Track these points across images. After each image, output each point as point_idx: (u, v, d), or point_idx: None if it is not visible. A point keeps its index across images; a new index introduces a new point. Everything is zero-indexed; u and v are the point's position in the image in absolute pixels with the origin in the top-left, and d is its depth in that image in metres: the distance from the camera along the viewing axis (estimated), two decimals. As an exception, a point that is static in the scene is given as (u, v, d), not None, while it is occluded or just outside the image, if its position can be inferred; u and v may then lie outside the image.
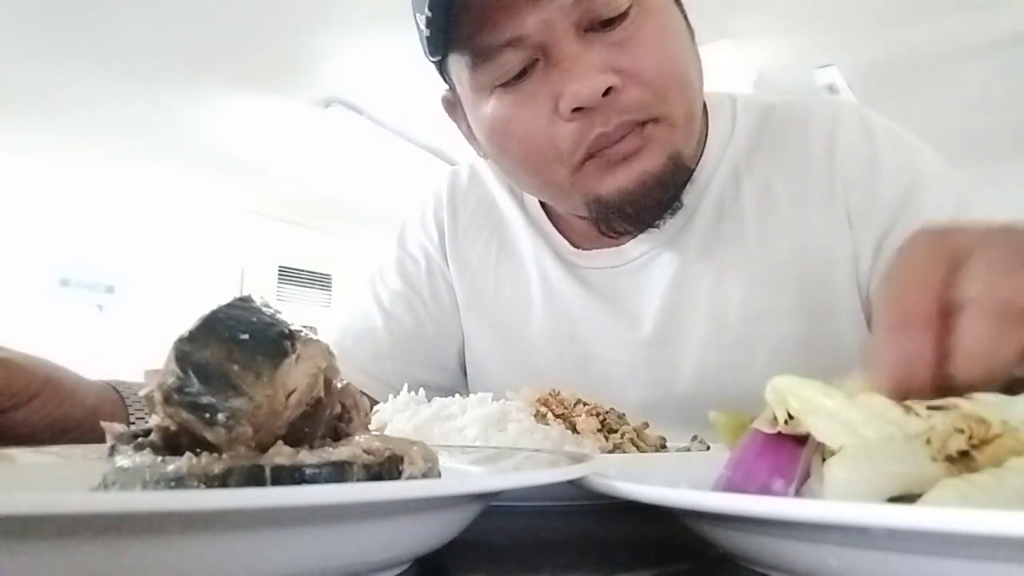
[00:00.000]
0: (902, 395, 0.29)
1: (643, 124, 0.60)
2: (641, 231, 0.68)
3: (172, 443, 0.26)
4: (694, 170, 0.68)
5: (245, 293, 0.30)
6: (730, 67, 3.36)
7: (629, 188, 0.62)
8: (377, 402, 0.59)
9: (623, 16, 0.59)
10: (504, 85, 0.61)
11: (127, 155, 4.53)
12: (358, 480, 0.26)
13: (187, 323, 0.27)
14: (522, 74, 0.60)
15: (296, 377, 0.27)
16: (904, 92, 3.79)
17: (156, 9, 2.88)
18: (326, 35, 3.12)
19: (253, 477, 0.24)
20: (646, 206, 0.63)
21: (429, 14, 0.57)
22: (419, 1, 0.58)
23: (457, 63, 0.63)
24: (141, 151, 4.46)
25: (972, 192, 0.66)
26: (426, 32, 0.59)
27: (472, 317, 0.82)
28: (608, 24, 0.59)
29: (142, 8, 2.87)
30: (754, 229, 0.69)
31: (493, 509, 0.31)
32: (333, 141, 4.26)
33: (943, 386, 0.29)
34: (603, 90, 0.58)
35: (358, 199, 5.35)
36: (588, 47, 0.58)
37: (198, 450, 0.25)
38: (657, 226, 0.67)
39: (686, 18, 0.66)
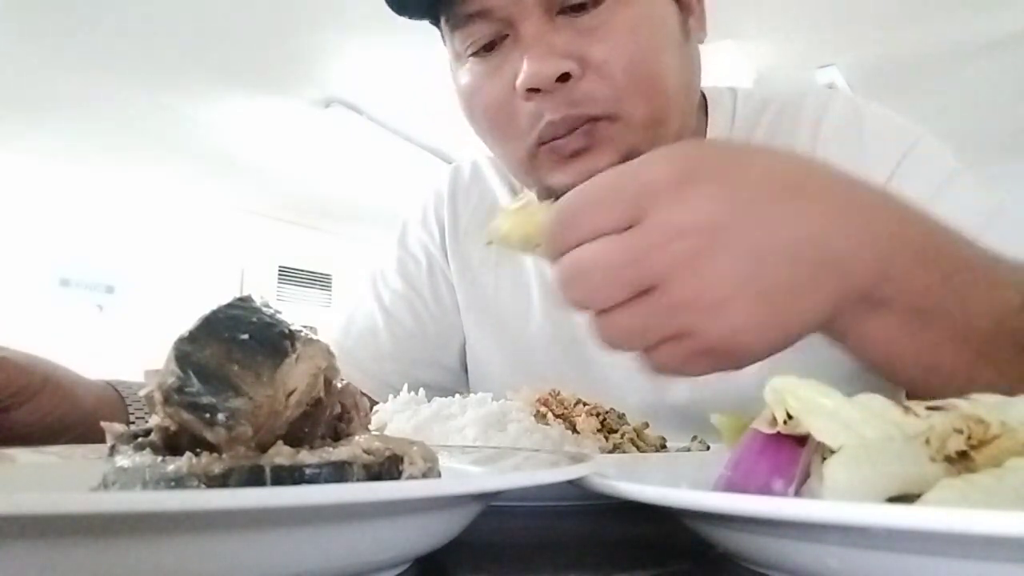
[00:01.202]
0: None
1: (596, 120, 0.59)
2: None
3: (172, 443, 0.26)
4: None
5: (245, 293, 0.30)
6: (730, 67, 3.37)
7: (575, 185, 0.60)
8: (377, 402, 0.59)
9: (597, 2, 0.58)
10: (476, 55, 0.62)
11: (127, 155, 4.53)
12: (358, 480, 0.26)
13: (187, 323, 0.27)
14: (493, 46, 0.61)
15: (296, 377, 0.27)
16: (904, 92, 3.79)
17: (156, 9, 2.88)
18: (326, 35, 3.12)
19: (253, 477, 0.24)
20: None
21: None
22: None
23: (443, 29, 0.64)
24: (141, 151, 4.46)
25: (966, 175, 0.63)
26: None
27: (472, 317, 0.82)
28: (581, 9, 0.58)
29: (142, 8, 2.87)
30: None
31: (493, 509, 0.31)
32: (333, 141, 4.26)
33: None
34: (557, 75, 0.56)
35: (358, 199, 5.35)
36: (553, 29, 0.58)
37: (198, 450, 0.25)
38: None
39: (687, 18, 0.63)
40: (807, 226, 0.36)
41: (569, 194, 0.37)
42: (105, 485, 0.26)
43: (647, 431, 0.57)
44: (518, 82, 0.58)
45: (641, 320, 0.35)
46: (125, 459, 0.26)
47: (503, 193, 0.82)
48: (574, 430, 0.52)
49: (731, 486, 0.29)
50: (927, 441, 0.26)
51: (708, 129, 0.71)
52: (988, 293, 0.39)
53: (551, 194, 0.62)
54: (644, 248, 0.34)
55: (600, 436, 0.52)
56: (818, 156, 0.64)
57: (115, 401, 0.62)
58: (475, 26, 0.60)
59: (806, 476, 0.28)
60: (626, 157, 0.58)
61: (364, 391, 0.79)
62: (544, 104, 0.58)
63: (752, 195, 0.36)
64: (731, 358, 0.37)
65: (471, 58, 0.62)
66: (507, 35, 0.60)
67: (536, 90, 0.57)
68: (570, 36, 0.58)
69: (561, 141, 0.60)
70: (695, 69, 0.66)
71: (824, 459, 0.26)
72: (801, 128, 0.69)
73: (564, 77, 0.57)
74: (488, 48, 0.61)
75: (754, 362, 0.37)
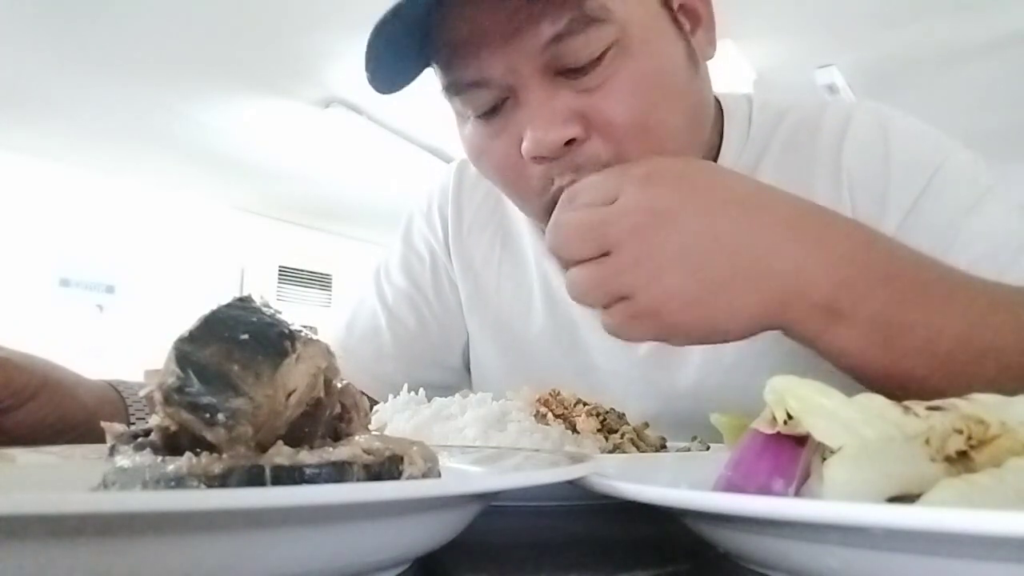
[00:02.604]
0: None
1: None
2: None
3: (172, 443, 0.26)
4: None
5: (245, 293, 0.30)
6: (730, 67, 3.36)
7: None
8: (377, 402, 0.59)
9: (598, 60, 0.55)
10: (478, 116, 0.60)
11: (127, 155, 4.53)
12: (358, 480, 0.26)
13: (187, 323, 0.27)
14: (495, 109, 0.59)
15: (296, 377, 0.27)
16: (904, 92, 3.78)
17: (156, 9, 2.88)
18: (326, 35, 3.12)
19: (253, 477, 0.24)
20: None
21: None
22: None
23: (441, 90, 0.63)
24: (141, 151, 4.46)
25: (997, 194, 0.61)
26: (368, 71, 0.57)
27: (475, 318, 0.82)
28: (581, 69, 0.55)
29: (142, 8, 2.87)
30: None
31: (493, 509, 0.31)
32: (333, 141, 4.26)
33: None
34: (563, 142, 0.55)
35: (358, 199, 5.35)
36: (554, 93, 0.55)
37: (198, 450, 0.25)
38: None
39: (694, 34, 0.60)
40: (754, 240, 0.43)
41: (585, 179, 0.48)
42: (105, 485, 0.26)
43: (647, 431, 0.57)
44: (523, 150, 0.56)
45: (597, 276, 0.43)
46: (125, 459, 0.26)
47: None
48: (574, 430, 0.52)
49: (731, 486, 0.29)
50: (927, 441, 0.26)
51: (724, 137, 0.69)
52: (952, 312, 0.44)
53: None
54: (607, 219, 0.43)
55: (600, 436, 0.52)
56: (842, 173, 0.64)
57: (116, 401, 0.62)
58: (474, 92, 0.58)
59: (806, 476, 0.28)
60: None
61: (365, 390, 0.80)
62: (552, 169, 0.57)
63: (707, 202, 0.44)
64: (663, 326, 0.43)
65: (474, 119, 0.61)
66: (508, 98, 0.58)
67: (543, 157, 0.56)
68: (572, 97, 0.55)
69: None
70: (705, 99, 0.64)
71: (824, 459, 0.26)
72: (821, 143, 0.66)
73: (570, 142, 0.55)
74: (491, 111, 0.59)
75: (687, 340, 0.45)
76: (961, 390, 0.43)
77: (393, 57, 0.57)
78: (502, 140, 0.59)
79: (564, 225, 0.45)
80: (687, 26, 0.60)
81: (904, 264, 0.45)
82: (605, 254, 0.43)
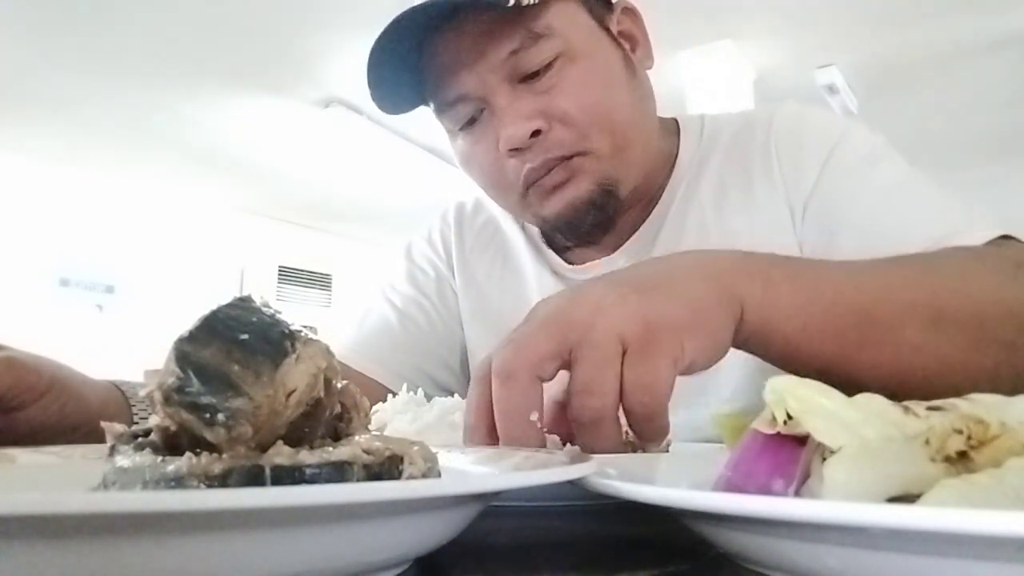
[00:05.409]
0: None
1: (569, 158, 0.70)
2: (584, 246, 0.80)
3: (172, 443, 0.26)
4: (623, 194, 0.74)
5: (245, 293, 0.30)
6: (730, 67, 3.36)
7: (564, 211, 0.73)
8: (388, 395, 0.60)
9: (549, 66, 0.68)
10: (463, 129, 0.74)
11: (127, 155, 4.53)
12: (358, 480, 0.26)
13: (187, 323, 0.27)
14: (474, 120, 0.72)
15: (296, 377, 0.27)
16: (904, 92, 3.79)
17: (156, 9, 2.89)
18: (326, 35, 3.12)
19: (253, 477, 0.24)
20: (583, 225, 0.74)
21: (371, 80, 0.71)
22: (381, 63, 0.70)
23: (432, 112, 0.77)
24: (141, 151, 4.46)
25: (889, 150, 0.73)
26: (375, 94, 0.73)
27: (477, 325, 0.89)
28: (536, 75, 0.69)
29: (142, 8, 2.87)
30: (712, 214, 0.78)
31: (493, 509, 0.31)
32: (333, 141, 4.26)
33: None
34: (530, 133, 0.68)
35: (358, 199, 5.35)
36: (518, 97, 0.69)
37: (198, 450, 0.25)
38: (596, 243, 0.78)
39: (632, 52, 0.75)
40: (708, 272, 0.48)
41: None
42: (105, 485, 0.26)
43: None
44: (500, 145, 0.70)
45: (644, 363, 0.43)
46: (125, 459, 0.26)
47: (505, 220, 0.92)
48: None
49: (731, 486, 0.29)
50: (927, 441, 0.26)
51: (681, 148, 0.82)
52: (862, 273, 0.51)
53: (546, 223, 0.76)
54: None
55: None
56: (771, 150, 0.77)
57: (120, 401, 0.62)
58: (456, 108, 0.72)
59: (806, 476, 0.28)
60: (600, 182, 0.72)
61: (381, 382, 0.84)
62: (525, 156, 0.70)
63: (668, 271, 0.49)
64: (661, 323, 0.43)
65: (460, 132, 0.75)
66: (483, 108, 0.71)
67: (516, 149, 0.69)
68: (532, 99, 0.69)
69: (542, 180, 0.71)
70: (647, 97, 0.77)
71: (824, 459, 0.26)
72: (756, 134, 0.79)
73: (535, 133, 0.68)
74: (471, 123, 0.73)
75: (701, 355, 0.45)
76: (909, 355, 0.49)
77: (392, 87, 0.73)
78: (482, 144, 0.73)
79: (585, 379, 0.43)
80: (626, 46, 0.74)
81: (788, 261, 0.52)
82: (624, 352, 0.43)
